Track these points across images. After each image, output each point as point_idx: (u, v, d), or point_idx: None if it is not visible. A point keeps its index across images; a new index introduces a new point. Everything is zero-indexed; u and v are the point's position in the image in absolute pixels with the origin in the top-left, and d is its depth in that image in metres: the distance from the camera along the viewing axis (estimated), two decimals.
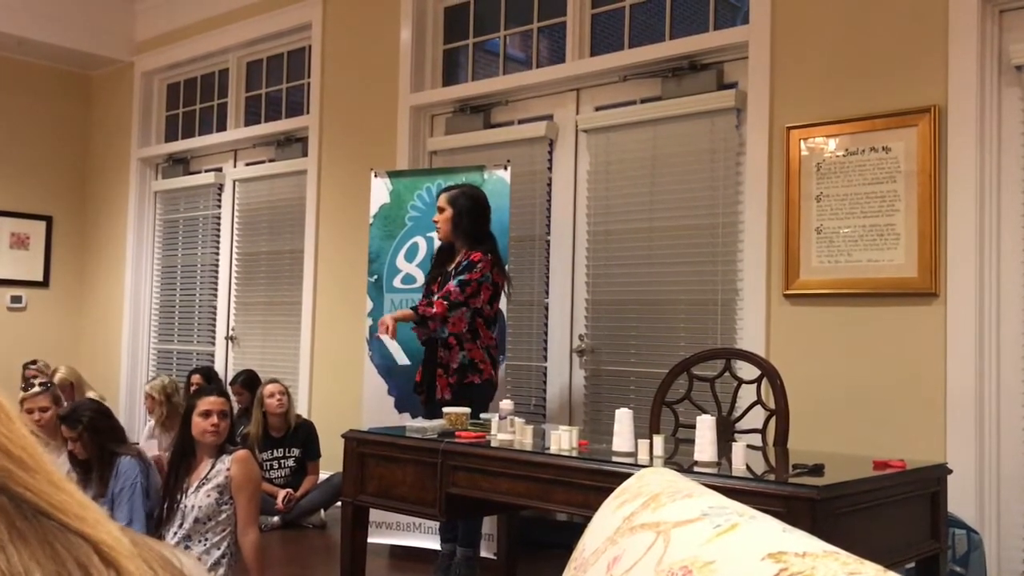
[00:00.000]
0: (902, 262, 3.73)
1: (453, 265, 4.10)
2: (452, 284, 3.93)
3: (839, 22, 3.98)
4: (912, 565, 2.67)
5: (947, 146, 3.64)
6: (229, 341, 6.87)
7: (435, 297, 3.96)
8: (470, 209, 4.09)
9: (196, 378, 5.98)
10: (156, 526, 3.39)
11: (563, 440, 2.76)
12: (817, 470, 2.36)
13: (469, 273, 3.95)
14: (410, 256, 4.69)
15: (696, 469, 2.42)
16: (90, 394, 5.30)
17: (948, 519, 2.87)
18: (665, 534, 0.92)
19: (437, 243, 4.31)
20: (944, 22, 3.68)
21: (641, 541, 0.95)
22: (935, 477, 2.64)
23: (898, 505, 2.47)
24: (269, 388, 5.29)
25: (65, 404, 4.30)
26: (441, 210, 4.13)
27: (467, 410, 3.31)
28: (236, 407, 5.79)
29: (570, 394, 4.86)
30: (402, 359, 4.55)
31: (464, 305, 3.93)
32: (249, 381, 5.89)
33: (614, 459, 2.62)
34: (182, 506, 3.32)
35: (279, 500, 5.13)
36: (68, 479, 0.52)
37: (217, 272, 7.03)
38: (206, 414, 3.37)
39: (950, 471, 2.75)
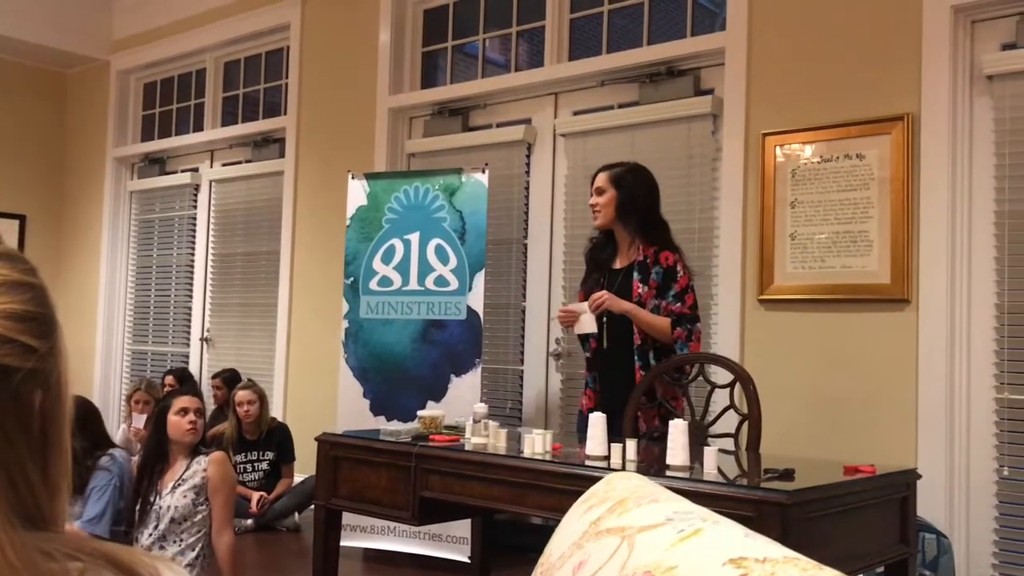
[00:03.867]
0: (875, 268, 3.77)
1: (627, 263, 3.43)
2: (675, 305, 3.31)
3: (815, 30, 4.01)
4: (882, 570, 2.69)
5: (920, 154, 3.68)
6: (204, 342, 6.83)
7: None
8: (641, 190, 3.43)
9: (169, 379, 5.94)
10: (128, 528, 3.37)
11: (536, 444, 2.76)
12: (788, 475, 2.38)
13: (676, 283, 3.32)
14: (387, 258, 4.68)
15: (668, 473, 2.43)
16: None
17: (918, 523, 2.90)
18: (630, 539, 0.92)
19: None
20: (918, 32, 3.72)
21: (606, 546, 0.95)
22: (905, 482, 2.67)
23: (868, 510, 2.49)
24: (240, 396, 5.26)
25: None
26: (600, 191, 3.45)
27: (442, 413, 3.31)
28: (213, 403, 5.78)
29: (546, 398, 4.86)
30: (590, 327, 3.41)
31: (698, 320, 3.34)
32: (231, 378, 5.86)
33: (587, 463, 2.62)
34: (157, 507, 3.30)
35: (253, 503, 5.10)
36: None
37: (192, 273, 6.98)
38: (183, 412, 3.35)
39: (919, 476, 2.78)
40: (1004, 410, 3.54)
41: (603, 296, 3.34)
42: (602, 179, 3.48)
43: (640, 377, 3.32)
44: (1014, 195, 3.55)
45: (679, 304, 3.32)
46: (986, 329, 3.60)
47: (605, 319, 3.39)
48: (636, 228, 3.42)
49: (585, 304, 3.38)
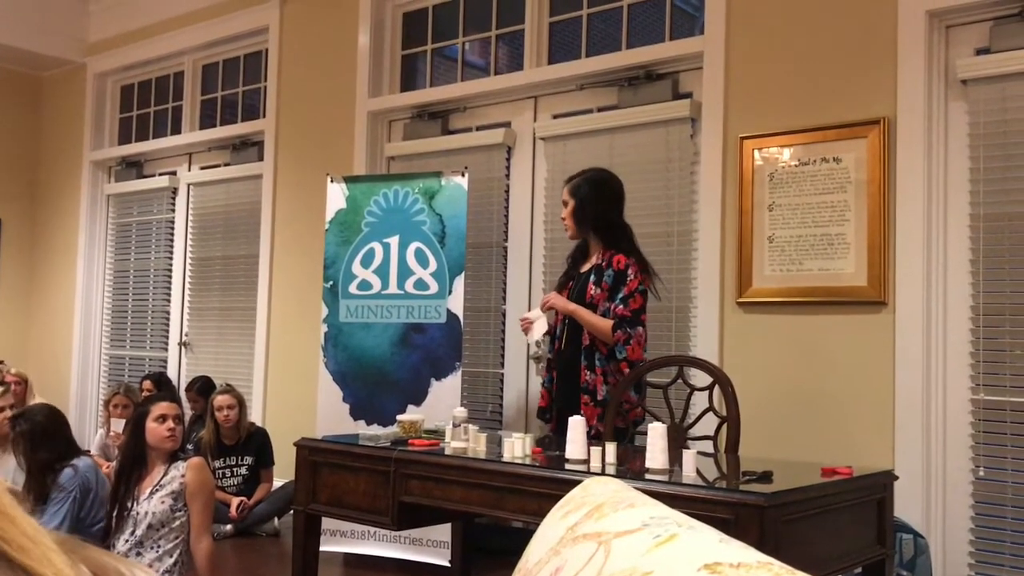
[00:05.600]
0: (852, 271, 3.79)
1: (589, 266, 3.55)
2: (619, 307, 3.39)
3: (792, 35, 4.04)
4: (859, 570, 2.71)
5: (896, 157, 3.72)
6: (182, 347, 6.78)
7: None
8: (595, 197, 3.54)
9: (147, 384, 5.90)
10: (105, 534, 3.34)
11: (516, 448, 2.76)
12: (766, 477, 2.39)
13: (625, 286, 3.40)
14: (366, 262, 4.66)
15: (648, 476, 2.44)
16: (37, 401, 5.20)
17: (895, 524, 2.92)
18: (606, 544, 0.92)
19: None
20: (893, 37, 3.75)
21: (583, 551, 0.95)
22: (882, 483, 2.69)
23: (845, 511, 2.51)
24: (219, 400, 5.22)
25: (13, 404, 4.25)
26: (564, 204, 3.59)
27: (422, 417, 3.30)
28: (190, 414, 5.73)
29: (527, 401, 4.86)
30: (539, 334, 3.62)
31: (640, 324, 3.40)
32: (204, 388, 5.82)
33: (567, 467, 2.63)
34: (134, 513, 3.28)
35: (233, 508, 5.07)
36: (15, 503, 0.50)
37: (171, 277, 6.94)
38: (161, 419, 3.34)
39: (896, 477, 2.80)
40: (980, 411, 3.57)
41: (549, 297, 3.57)
42: (564, 192, 3.64)
43: (585, 377, 3.44)
44: (988, 198, 3.59)
45: (622, 306, 3.40)
46: (962, 331, 3.63)
47: (567, 321, 3.53)
48: (593, 233, 3.57)
49: (537, 309, 3.62)
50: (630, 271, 3.44)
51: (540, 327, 3.56)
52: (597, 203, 3.55)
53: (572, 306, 3.47)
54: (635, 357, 3.40)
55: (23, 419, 3.63)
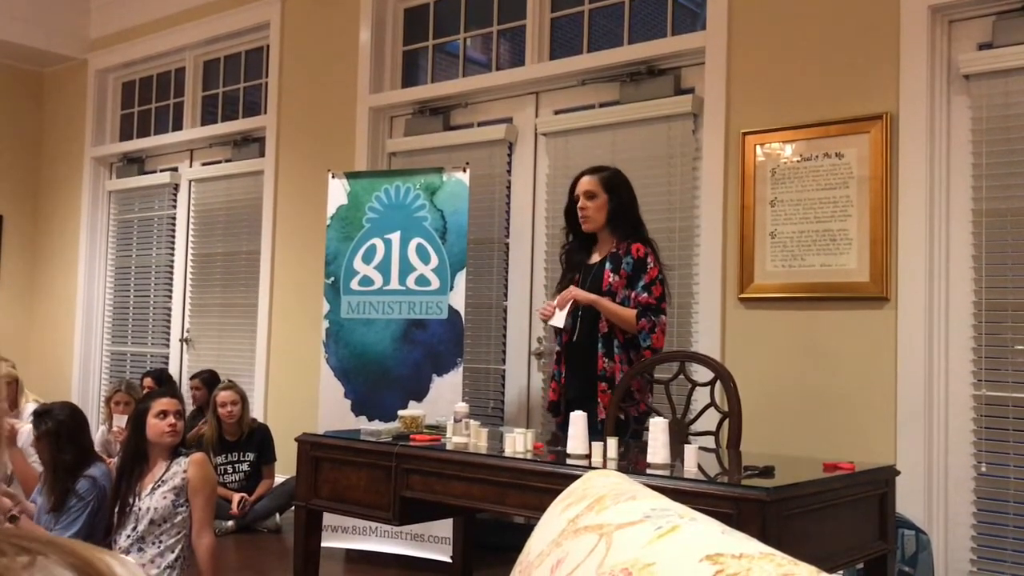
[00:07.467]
0: (854, 266, 3.79)
1: (602, 256, 3.51)
2: (642, 295, 3.36)
3: (794, 30, 4.03)
4: (861, 566, 2.70)
5: (898, 153, 3.71)
6: (184, 343, 6.78)
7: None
8: (629, 194, 3.53)
9: (148, 381, 5.90)
10: (107, 531, 3.34)
11: (518, 443, 2.76)
12: (767, 472, 2.39)
13: (646, 274, 3.39)
14: (368, 258, 4.66)
15: (649, 471, 2.44)
16: (28, 398, 5.20)
17: (897, 520, 2.92)
18: (608, 536, 0.92)
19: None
20: (896, 32, 3.75)
21: (584, 543, 0.95)
22: (883, 479, 2.68)
23: (847, 507, 2.50)
24: (222, 397, 5.23)
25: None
26: (591, 195, 3.50)
27: (422, 412, 3.30)
28: (191, 405, 5.73)
29: (528, 397, 4.86)
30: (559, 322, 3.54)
31: (663, 312, 3.38)
32: (210, 379, 5.82)
33: (568, 462, 2.62)
34: (136, 509, 3.27)
35: (234, 504, 5.08)
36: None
37: (172, 273, 6.94)
38: (162, 415, 3.34)
39: (898, 473, 2.80)
40: (982, 407, 3.57)
41: (568, 293, 3.47)
42: (592, 183, 3.54)
43: (602, 364, 3.40)
44: (991, 193, 3.58)
45: (646, 294, 3.38)
46: (964, 327, 3.62)
47: (580, 312, 3.48)
48: (623, 231, 3.50)
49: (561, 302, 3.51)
50: (649, 259, 3.42)
51: (559, 318, 3.50)
52: (632, 200, 3.55)
53: (592, 296, 3.41)
54: (659, 345, 3.38)
55: (48, 417, 3.61)
